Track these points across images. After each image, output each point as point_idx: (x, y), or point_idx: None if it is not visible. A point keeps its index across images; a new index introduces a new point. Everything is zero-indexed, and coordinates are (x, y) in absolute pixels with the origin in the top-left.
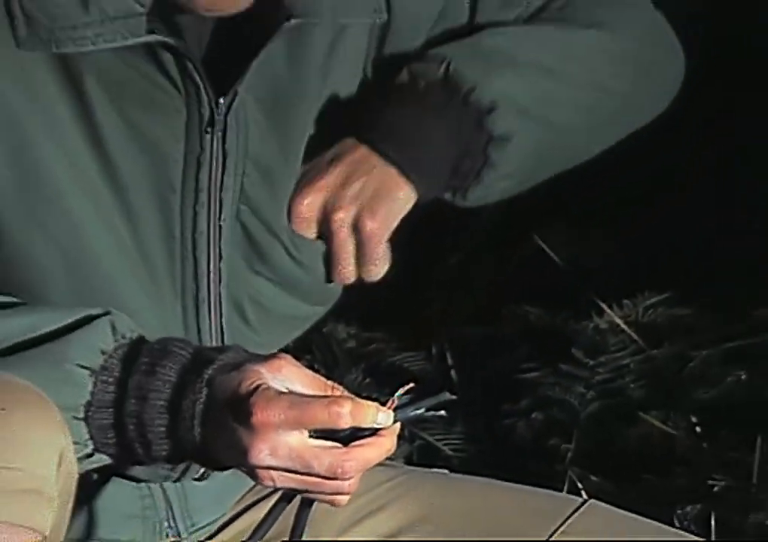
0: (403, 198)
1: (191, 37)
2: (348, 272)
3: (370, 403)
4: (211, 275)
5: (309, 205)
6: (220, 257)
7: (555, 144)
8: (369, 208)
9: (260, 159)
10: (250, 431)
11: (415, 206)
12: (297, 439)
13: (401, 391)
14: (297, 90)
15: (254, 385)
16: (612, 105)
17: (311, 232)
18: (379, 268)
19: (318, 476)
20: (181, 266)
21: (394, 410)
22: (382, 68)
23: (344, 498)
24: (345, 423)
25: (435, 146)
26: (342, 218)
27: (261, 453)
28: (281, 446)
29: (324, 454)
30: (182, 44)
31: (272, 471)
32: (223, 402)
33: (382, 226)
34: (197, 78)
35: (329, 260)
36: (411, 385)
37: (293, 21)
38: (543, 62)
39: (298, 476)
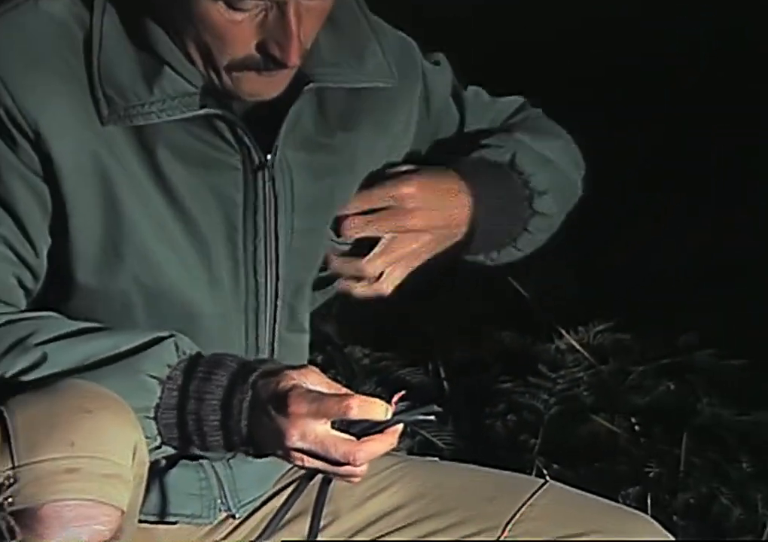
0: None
1: (237, 104)
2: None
3: (373, 399)
4: (269, 293)
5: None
6: (278, 278)
7: (564, 211)
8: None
9: (304, 196)
10: (286, 419)
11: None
12: (322, 429)
13: (396, 397)
14: (325, 139)
15: (290, 385)
16: (575, 188)
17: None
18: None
19: (335, 461)
20: (245, 288)
21: (394, 415)
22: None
23: (357, 479)
24: (355, 414)
25: (501, 217)
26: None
27: (293, 437)
28: (309, 432)
29: (341, 443)
30: (230, 115)
31: (302, 453)
32: (265, 399)
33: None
34: (247, 141)
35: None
36: (402, 392)
37: (311, 85)
38: (555, 161)
39: (318, 462)
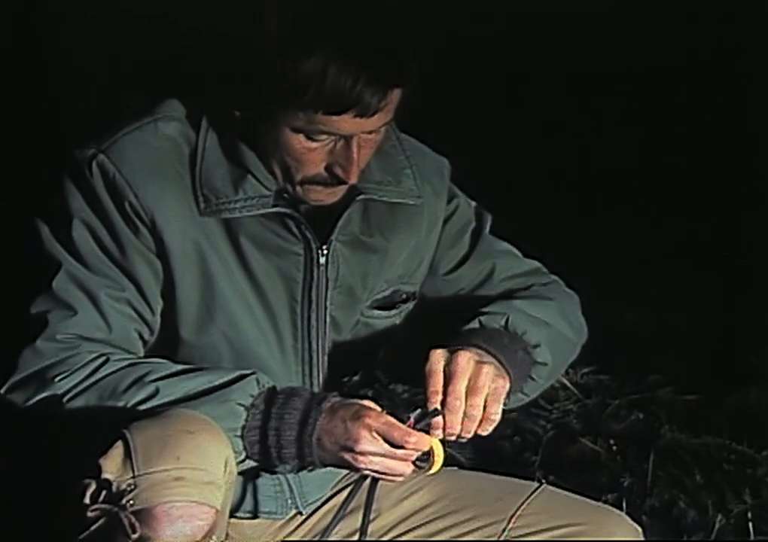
0: (509, 385)
1: (302, 205)
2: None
3: (426, 436)
4: (319, 350)
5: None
6: (323, 340)
7: (562, 363)
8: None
9: (345, 280)
10: (360, 428)
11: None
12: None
13: (413, 414)
14: (367, 237)
15: (365, 408)
16: (571, 344)
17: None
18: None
19: (393, 444)
20: (302, 346)
21: (416, 422)
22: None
23: (401, 478)
24: (410, 445)
25: (517, 364)
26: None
27: (365, 440)
28: (375, 439)
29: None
30: (296, 213)
31: (368, 456)
32: (342, 416)
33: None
34: (308, 234)
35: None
36: (418, 410)
37: (362, 196)
38: (549, 322)
39: (382, 459)
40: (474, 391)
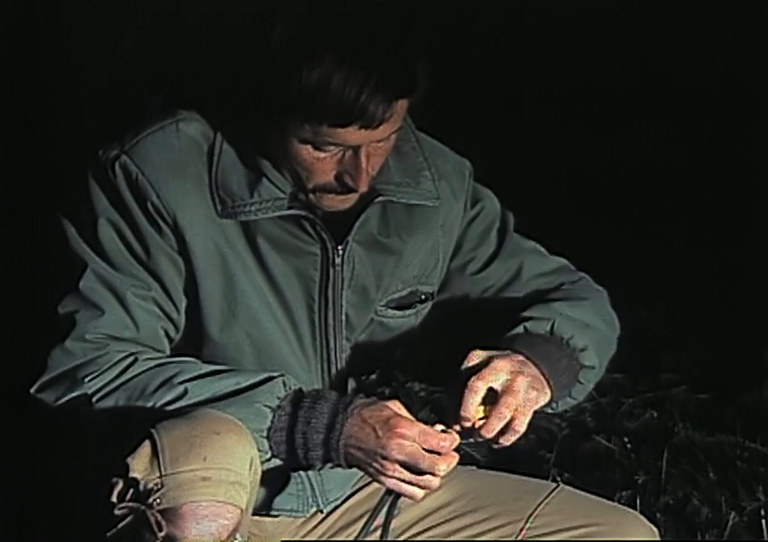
0: (545, 397)
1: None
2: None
3: (456, 437)
4: (336, 347)
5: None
6: (341, 337)
7: (605, 362)
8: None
9: (359, 280)
10: (391, 438)
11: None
12: (416, 446)
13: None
14: (384, 238)
15: (393, 412)
16: (611, 342)
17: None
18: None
19: (421, 471)
20: (320, 344)
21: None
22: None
23: (422, 493)
24: (445, 450)
25: (561, 373)
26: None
27: (394, 450)
28: (407, 447)
29: (429, 456)
30: (311, 215)
31: (395, 465)
32: (372, 422)
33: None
34: (324, 235)
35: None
36: (470, 440)
37: (380, 198)
38: (590, 323)
39: (406, 472)
40: (505, 400)
